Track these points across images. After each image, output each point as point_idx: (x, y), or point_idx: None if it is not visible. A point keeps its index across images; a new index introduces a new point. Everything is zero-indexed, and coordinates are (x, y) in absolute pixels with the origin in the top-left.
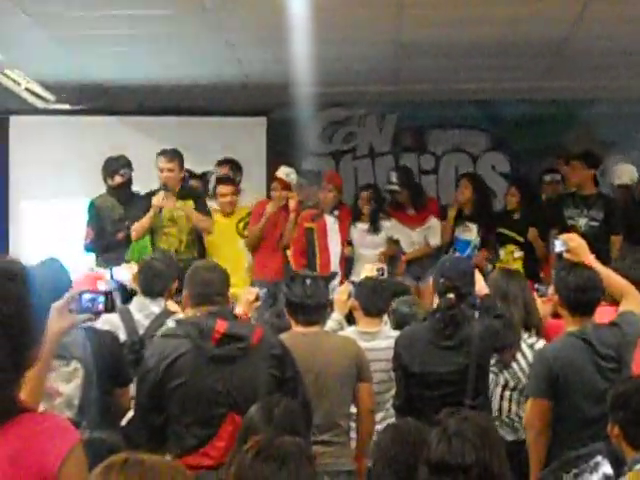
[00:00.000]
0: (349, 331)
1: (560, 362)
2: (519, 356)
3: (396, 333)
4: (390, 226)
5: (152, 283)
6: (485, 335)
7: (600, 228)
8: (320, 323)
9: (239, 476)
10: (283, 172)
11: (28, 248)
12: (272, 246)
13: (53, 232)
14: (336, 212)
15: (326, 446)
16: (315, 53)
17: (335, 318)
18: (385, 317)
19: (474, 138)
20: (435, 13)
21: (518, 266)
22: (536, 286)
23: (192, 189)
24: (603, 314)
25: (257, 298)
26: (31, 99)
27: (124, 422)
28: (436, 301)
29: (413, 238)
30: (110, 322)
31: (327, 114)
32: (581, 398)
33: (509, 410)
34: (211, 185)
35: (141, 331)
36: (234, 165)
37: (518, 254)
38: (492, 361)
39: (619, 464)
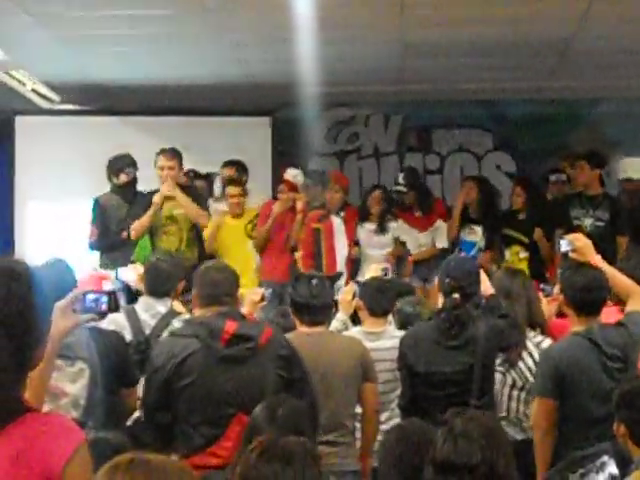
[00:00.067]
0: (354, 331)
1: (566, 362)
2: (526, 355)
3: (401, 333)
4: (397, 227)
5: (158, 283)
6: (490, 335)
7: (606, 229)
8: (325, 323)
9: (244, 476)
10: (290, 174)
11: (33, 248)
12: (280, 247)
13: (58, 232)
14: (342, 213)
15: (332, 446)
16: (319, 53)
17: (340, 318)
18: (390, 317)
19: (479, 138)
20: (439, 13)
21: (523, 267)
22: (542, 286)
23: (191, 188)
24: (608, 314)
25: (262, 298)
26: (36, 99)
27: (130, 422)
28: (441, 301)
29: (420, 240)
30: (116, 322)
31: (331, 114)
32: (587, 398)
33: (517, 410)
34: (216, 186)
35: (147, 331)
36: (240, 167)
37: (523, 255)
38: (499, 361)
39: (625, 464)
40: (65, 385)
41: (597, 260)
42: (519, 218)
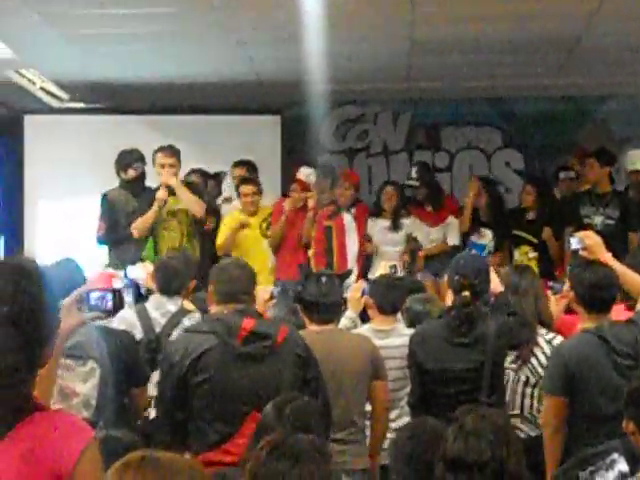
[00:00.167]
0: (363, 329)
1: (576, 359)
2: (538, 352)
3: (410, 331)
4: (409, 223)
5: (169, 281)
6: (500, 332)
7: (616, 226)
8: (335, 321)
9: (254, 473)
10: (304, 174)
11: (43, 246)
12: (294, 245)
13: (68, 230)
14: (352, 210)
15: (342, 444)
16: (327, 51)
17: (349, 316)
18: (399, 315)
19: (488, 135)
20: (448, 10)
21: (533, 266)
22: (550, 284)
23: (192, 185)
24: (616, 312)
25: (272, 296)
26: (46, 98)
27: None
28: (451, 298)
29: (431, 235)
30: (127, 320)
31: (340, 112)
32: (597, 395)
33: (531, 407)
34: (224, 186)
35: (158, 329)
36: (250, 166)
37: (532, 255)
38: (511, 358)
39: (635, 461)
40: (76, 385)
41: (607, 258)
42: (528, 218)
